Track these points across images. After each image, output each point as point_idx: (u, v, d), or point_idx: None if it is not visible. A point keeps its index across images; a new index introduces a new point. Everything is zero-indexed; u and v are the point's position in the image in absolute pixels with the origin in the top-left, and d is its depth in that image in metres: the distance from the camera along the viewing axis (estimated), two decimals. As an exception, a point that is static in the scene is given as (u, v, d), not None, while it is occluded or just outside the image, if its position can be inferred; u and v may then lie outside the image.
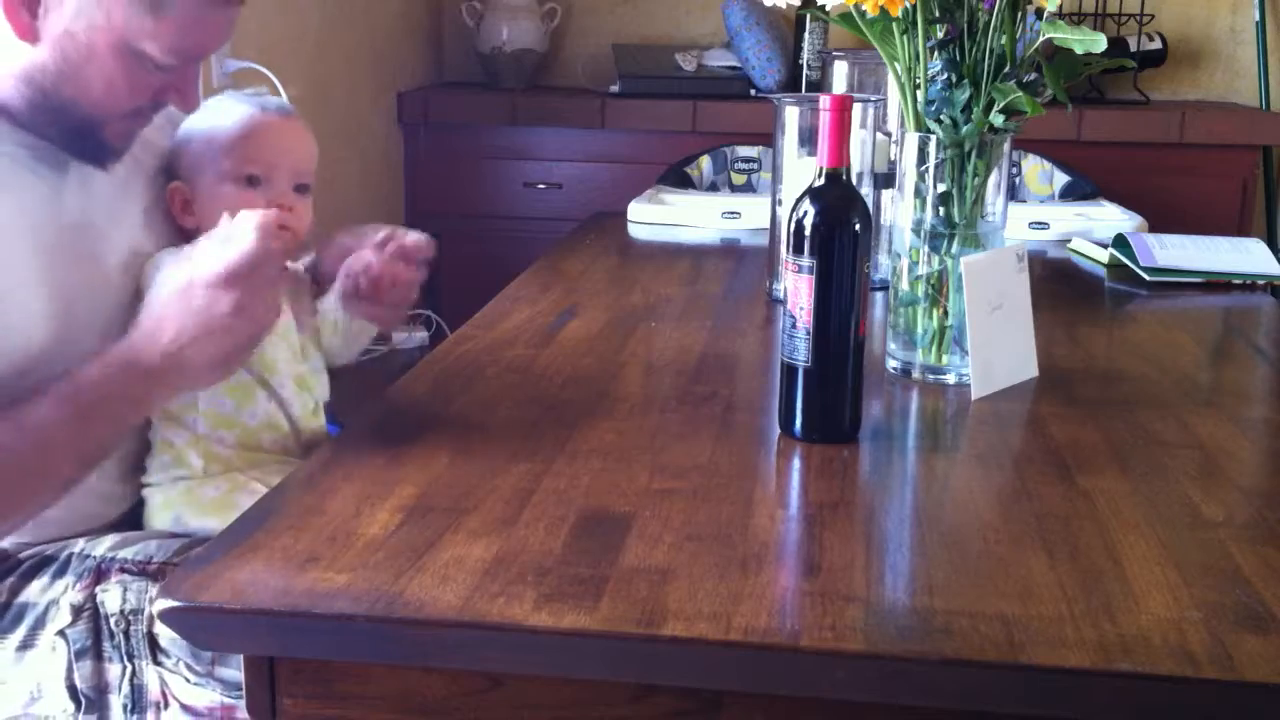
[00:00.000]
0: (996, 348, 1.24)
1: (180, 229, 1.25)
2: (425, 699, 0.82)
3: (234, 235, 1.04)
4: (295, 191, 1.25)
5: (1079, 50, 1.16)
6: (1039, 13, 1.19)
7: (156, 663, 1.09)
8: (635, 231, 2.14)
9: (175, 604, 0.80)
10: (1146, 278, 1.78)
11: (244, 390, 1.22)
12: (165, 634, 1.08)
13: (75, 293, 1.13)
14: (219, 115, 1.26)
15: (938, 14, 1.22)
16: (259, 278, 1.03)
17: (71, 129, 1.12)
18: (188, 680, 1.08)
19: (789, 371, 1.10)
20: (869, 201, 1.47)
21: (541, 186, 3.01)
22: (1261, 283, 1.79)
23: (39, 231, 1.11)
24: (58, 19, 1.06)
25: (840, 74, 1.73)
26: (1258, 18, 3.09)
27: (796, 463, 1.07)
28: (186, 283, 1.03)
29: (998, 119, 1.21)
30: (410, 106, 3.02)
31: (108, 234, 1.18)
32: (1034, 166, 2.53)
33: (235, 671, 1.04)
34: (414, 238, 1.28)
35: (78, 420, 1.02)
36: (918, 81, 1.24)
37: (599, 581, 0.82)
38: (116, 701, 1.09)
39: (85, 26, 1.06)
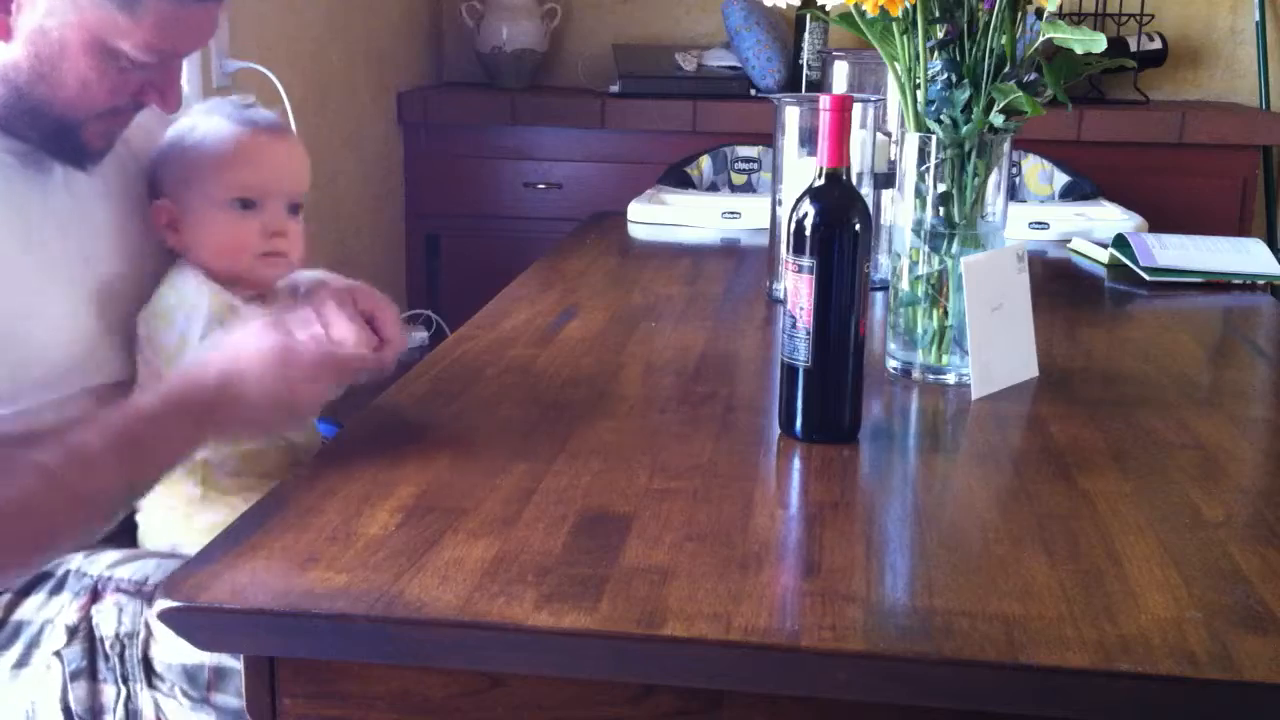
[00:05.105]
0: (996, 348, 1.24)
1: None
2: (425, 699, 0.82)
3: (341, 331, 1.05)
4: (288, 212, 1.21)
5: (1079, 50, 1.16)
6: (1039, 13, 1.19)
7: (152, 686, 1.07)
8: (635, 231, 2.14)
9: (175, 604, 0.80)
10: (1146, 278, 1.78)
11: None
12: (160, 658, 1.07)
13: (81, 297, 1.13)
14: (207, 130, 1.21)
15: (938, 14, 1.22)
16: (341, 373, 1.08)
17: (49, 130, 1.10)
18: (182, 705, 1.06)
19: (789, 371, 1.10)
20: (869, 201, 1.47)
21: (541, 186, 3.01)
22: (1261, 283, 1.79)
23: (37, 238, 1.11)
24: (31, 15, 1.04)
25: (840, 74, 1.73)
26: (1258, 18, 3.09)
27: (796, 463, 1.07)
28: (291, 354, 1.03)
29: (998, 119, 1.21)
30: (410, 106, 3.02)
31: (97, 237, 1.17)
32: (1034, 166, 2.53)
33: (232, 698, 1.04)
34: (390, 326, 1.20)
35: (128, 451, 1.00)
36: (918, 81, 1.24)
37: (599, 581, 0.82)
38: None
39: (58, 23, 1.04)
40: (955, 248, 1.25)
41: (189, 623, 0.81)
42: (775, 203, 1.65)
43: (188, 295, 1.18)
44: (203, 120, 1.22)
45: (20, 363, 1.08)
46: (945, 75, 1.23)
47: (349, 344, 1.08)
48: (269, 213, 1.20)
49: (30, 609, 1.10)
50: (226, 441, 1.16)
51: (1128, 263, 1.83)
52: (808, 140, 1.56)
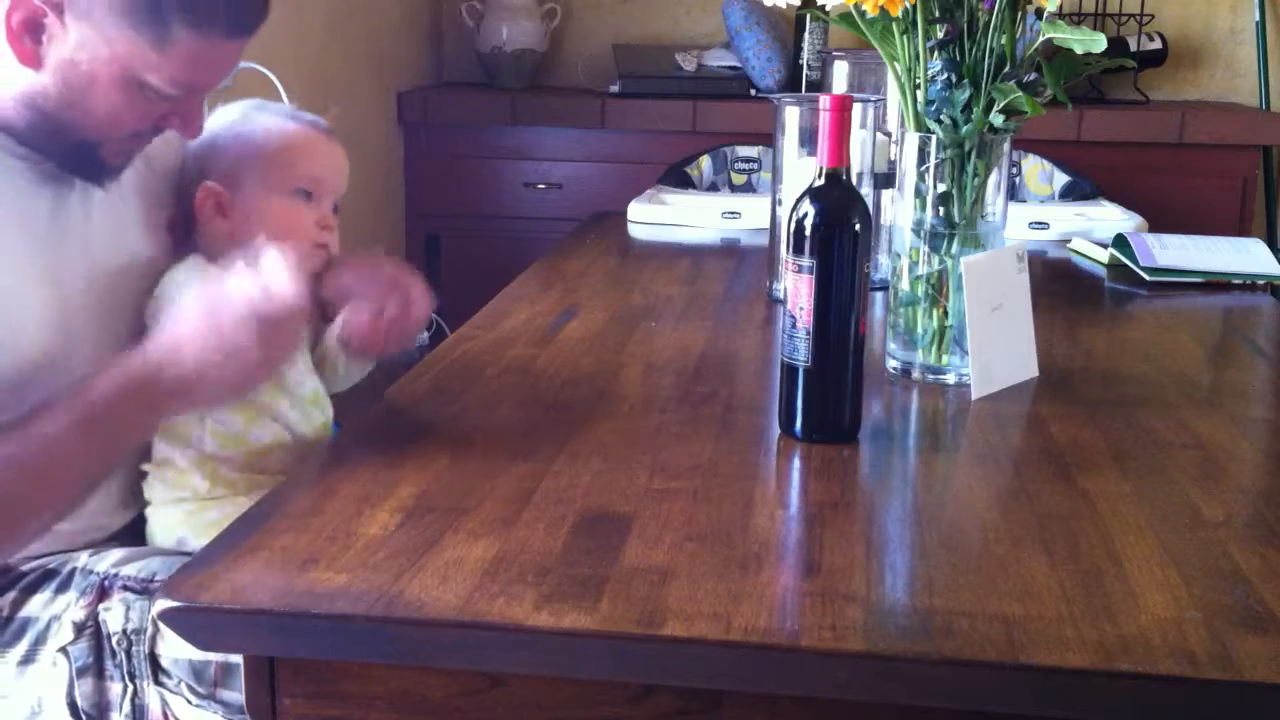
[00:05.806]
0: (996, 348, 1.24)
1: (179, 238, 1.24)
2: (425, 699, 0.83)
3: (272, 274, 1.03)
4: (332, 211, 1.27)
5: (1079, 50, 1.16)
6: (1039, 13, 1.19)
7: (158, 683, 1.07)
8: (635, 231, 2.14)
9: (175, 604, 0.80)
10: (1146, 278, 1.78)
11: (253, 409, 1.20)
12: (167, 655, 1.07)
13: (76, 302, 1.13)
14: (267, 123, 1.25)
15: (938, 14, 1.22)
16: (289, 316, 1.04)
17: (70, 148, 1.12)
18: (189, 702, 1.07)
19: (789, 371, 1.10)
20: (869, 201, 1.47)
21: (541, 186, 3.01)
22: (1261, 283, 1.79)
23: (42, 245, 1.11)
24: (61, 47, 1.05)
25: (840, 74, 1.73)
26: (1258, 18, 3.09)
27: (796, 463, 1.07)
28: (216, 309, 1.02)
29: (998, 119, 1.21)
30: (410, 106, 3.02)
31: (107, 247, 1.18)
32: (1034, 166, 2.53)
33: (237, 694, 1.03)
34: (417, 293, 1.23)
35: (87, 433, 1.01)
36: (918, 81, 1.24)
37: (599, 581, 0.82)
38: None
39: (88, 57, 1.05)
40: (955, 248, 1.25)
41: (189, 623, 0.81)
42: (775, 203, 1.65)
43: (181, 275, 1.19)
44: (255, 116, 1.27)
45: (27, 370, 1.08)
46: (945, 75, 1.23)
47: (285, 294, 1.03)
48: (322, 206, 1.26)
49: (36, 606, 1.11)
50: (194, 411, 1.15)
51: (1128, 263, 1.83)
52: (808, 140, 1.56)
